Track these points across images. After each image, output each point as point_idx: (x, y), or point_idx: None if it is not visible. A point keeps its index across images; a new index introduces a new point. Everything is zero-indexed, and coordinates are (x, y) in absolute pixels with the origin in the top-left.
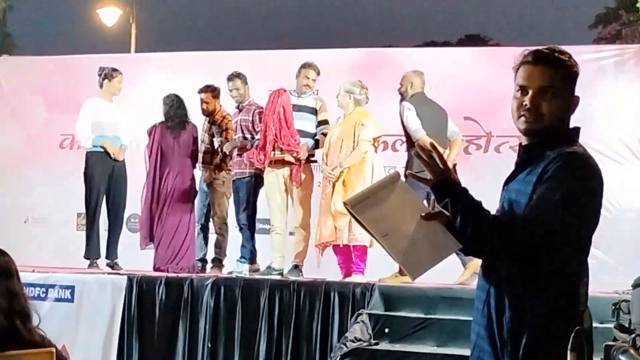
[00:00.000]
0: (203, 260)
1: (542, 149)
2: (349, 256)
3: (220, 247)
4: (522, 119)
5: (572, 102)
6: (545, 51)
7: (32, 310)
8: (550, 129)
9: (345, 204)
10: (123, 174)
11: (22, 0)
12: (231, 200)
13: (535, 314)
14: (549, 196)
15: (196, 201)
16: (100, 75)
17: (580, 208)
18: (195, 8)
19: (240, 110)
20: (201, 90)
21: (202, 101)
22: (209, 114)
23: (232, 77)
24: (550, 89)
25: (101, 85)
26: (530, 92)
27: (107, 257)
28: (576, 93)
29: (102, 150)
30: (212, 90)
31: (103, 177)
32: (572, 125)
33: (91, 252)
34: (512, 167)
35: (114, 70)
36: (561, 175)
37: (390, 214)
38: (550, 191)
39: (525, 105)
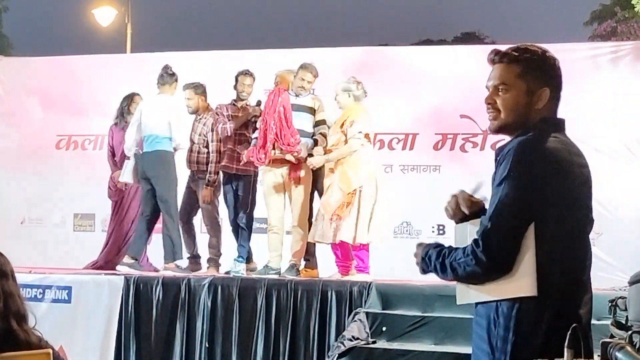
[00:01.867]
0: (195, 257)
1: (504, 147)
2: (346, 255)
3: (214, 246)
4: (488, 118)
5: (533, 95)
6: (500, 50)
7: (28, 311)
8: (510, 124)
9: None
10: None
11: (17, 1)
12: (221, 198)
13: (519, 320)
14: (496, 199)
15: (182, 199)
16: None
17: (514, 198)
18: (190, 8)
19: (242, 108)
20: (184, 87)
21: (185, 98)
22: (193, 112)
23: (246, 74)
24: (502, 86)
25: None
26: (490, 90)
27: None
28: (571, 90)
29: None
30: (194, 87)
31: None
32: (573, 120)
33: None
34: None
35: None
36: (504, 171)
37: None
38: (495, 190)
39: (485, 102)
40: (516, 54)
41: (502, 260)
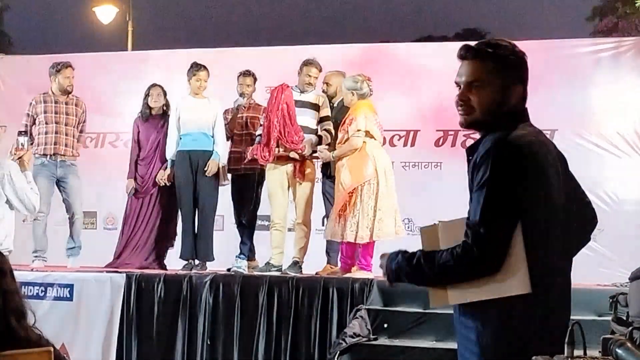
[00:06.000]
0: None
1: (475, 144)
2: (351, 253)
3: None
4: (459, 113)
5: (507, 91)
6: (472, 45)
7: (27, 309)
8: (483, 120)
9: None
10: None
11: (18, 0)
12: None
13: (512, 318)
14: (481, 201)
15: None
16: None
17: (501, 198)
18: (191, 5)
19: (247, 108)
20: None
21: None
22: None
23: (246, 74)
24: (476, 82)
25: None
26: (461, 87)
27: (196, 258)
28: (573, 86)
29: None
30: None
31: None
32: (574, 115)
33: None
34: None
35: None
36: (485, 172)
37: None
38: (479, 193)
39: (457, 100)
40: (489, 50)
41: (496, 260)
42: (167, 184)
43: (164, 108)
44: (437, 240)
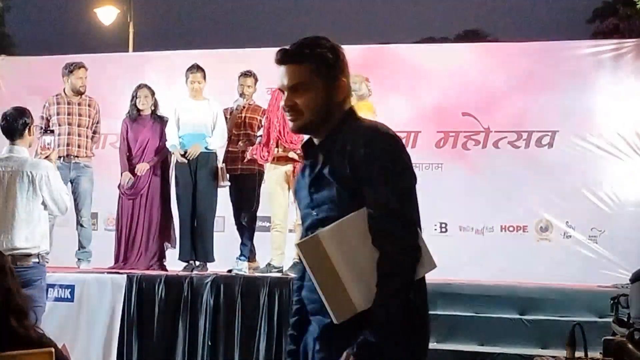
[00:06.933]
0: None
1: (327, 141)
2: None
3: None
4: (288, 119)
5: (332, 88)
6: (288, 49)
7: (29, 308)
8: (313, 122)
9: None
10: None
11: (20, 1)
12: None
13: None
14: (383, 189)
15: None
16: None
17: (407, 184)
18: (192, 6)
19: (245, 108)
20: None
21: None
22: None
23: (247, 75)
24: (300, 86)
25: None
26: (286, 92)
27: (196, 259)
28: (573, 87)
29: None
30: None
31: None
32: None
33: (183, 254)
34: (510, 162)
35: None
36: (379, 159)
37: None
38: (381, 183)
39: (283, 106)
40: (307, 51)
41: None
42: (186, 161)
43: (152, 108)
44: (321, 251)
